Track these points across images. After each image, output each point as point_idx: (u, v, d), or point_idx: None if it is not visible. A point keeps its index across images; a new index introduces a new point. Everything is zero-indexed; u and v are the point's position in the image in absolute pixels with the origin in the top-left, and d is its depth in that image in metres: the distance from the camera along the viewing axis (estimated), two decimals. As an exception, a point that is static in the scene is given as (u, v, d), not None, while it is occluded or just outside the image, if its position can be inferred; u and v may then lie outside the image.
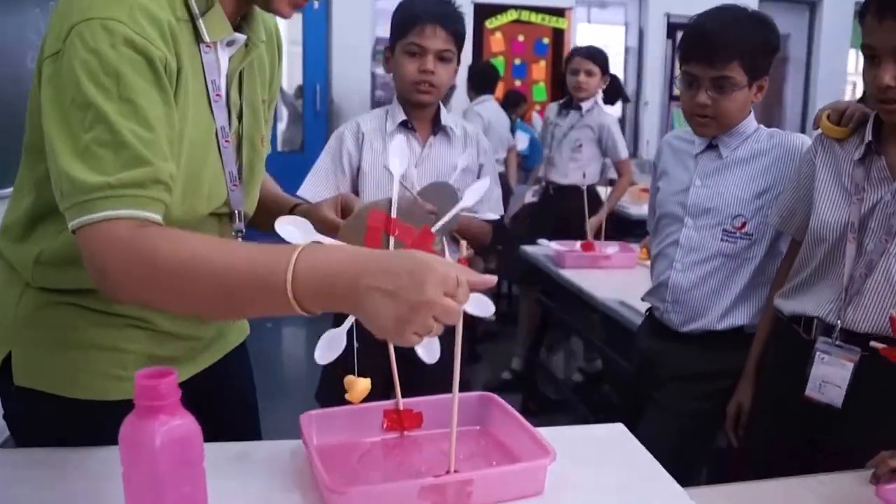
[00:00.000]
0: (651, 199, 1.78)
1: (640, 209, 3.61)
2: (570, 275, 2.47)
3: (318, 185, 1.69)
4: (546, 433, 1.10)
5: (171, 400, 0.73)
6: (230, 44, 0.96)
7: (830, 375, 1.29)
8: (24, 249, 0.95)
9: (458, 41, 1.65)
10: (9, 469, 0.95)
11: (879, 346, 1.06)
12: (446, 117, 1.75)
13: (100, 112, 0.78)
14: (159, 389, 0.72)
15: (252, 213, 1.10)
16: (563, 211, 3.10)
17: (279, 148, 6.28)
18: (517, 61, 6.32)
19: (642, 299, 1.73)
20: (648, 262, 2.49)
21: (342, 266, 0.73)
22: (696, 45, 1.48)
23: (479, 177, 1.78)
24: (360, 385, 1.04)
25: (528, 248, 2.84)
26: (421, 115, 1.72)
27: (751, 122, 1.57)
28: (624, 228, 3.48)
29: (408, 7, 1.66)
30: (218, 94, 0.94)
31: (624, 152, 3.32)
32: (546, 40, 6.37)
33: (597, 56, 3.22)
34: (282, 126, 6.33)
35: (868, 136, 1.28)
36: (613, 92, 3.42)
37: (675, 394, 1.57)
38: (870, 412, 1.25)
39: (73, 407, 0.96)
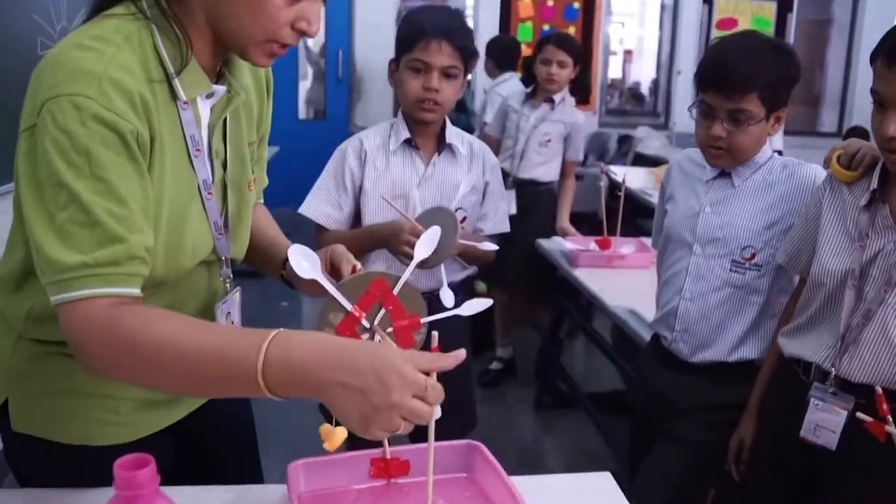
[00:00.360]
0: (657, 218, 1.75)
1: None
2: (583, 276, 2.45)
3: (320, 204, 1.69)
4: (532, 483, 1.12)
5: (149, 489, 0.75)
6: (210, 95, 0.96)
7: (825, 421, 1.28)
8: (17, 303, 0.97)
9: (466, 57, 1.61)
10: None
11: (866, 418, 1.04)
12: (452, 134, 1.72)
13: (72, 192, 0.79)
14: (138, 480, 0.74)
15: (242, 255, 1.11)
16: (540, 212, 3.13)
17: (301, 116, 6.26)
18: (546, 27, 6.15)
19: (649, 326, 1.71)
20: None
21: (311, 358, 0.75)
22: (714, 74, 1.43)
23: (484, 195, 1.76)
24: (337, 435, 1.06)
25: (544, 243, 2.82)
26: (425, 131, 1.69)
27: (765, 151, 1.52)
28: (648, 213, 3.41)
29: (413, 21, 1.62)
30: (198, 150, 0.94)
31: (581, 155, 3.29)
32: (577, 5, 6.17)
33: (570, 45, 3.03)
34: (306, 85, 6.28)
35: (874, 184, 1.24)
36: (581, 86, 3.29)
37: (685, 425, 1.56)
38: (864, 459, 1.24)
39: (68, 452, 0.99)
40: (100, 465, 0.87)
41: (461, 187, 1.59)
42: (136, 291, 0.83)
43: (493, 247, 1.54)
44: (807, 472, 1.34)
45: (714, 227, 1.54)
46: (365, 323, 0.93)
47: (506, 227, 1.80)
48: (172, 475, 1.11)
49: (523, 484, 1.08)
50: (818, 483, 1.33)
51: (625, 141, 5.40)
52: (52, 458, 1.01)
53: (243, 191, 1.05)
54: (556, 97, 3.09)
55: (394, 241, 1.50)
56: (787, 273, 1.51)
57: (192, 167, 0.94)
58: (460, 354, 0.78)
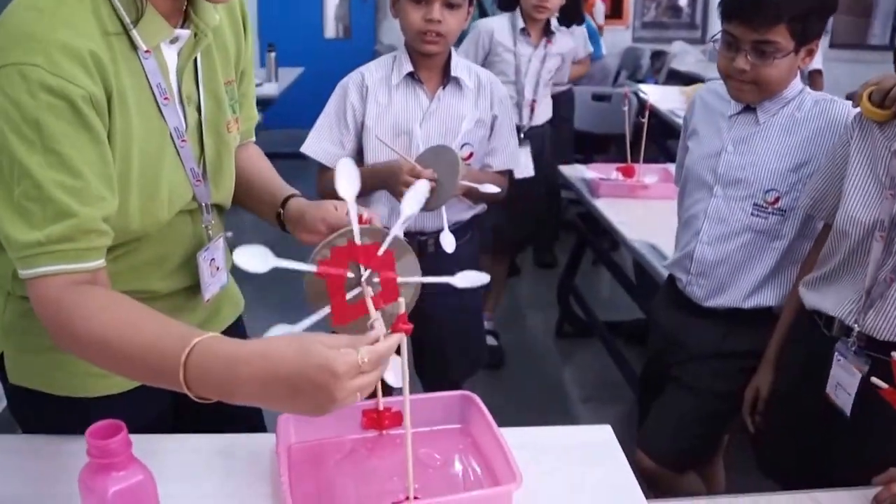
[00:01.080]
0: (679, 154, 1.65)
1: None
2: (604, 206, 2.37)
3: (321, 142, 1.63)
4: (529, 435, 1.11)
5: (122, 456, 0.75)
6: (175, 40, 0.91)
7: (844, 380, 1.23)
8: (3, 262, 0.96)
9: None
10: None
11: (881, 385, 0.99)
12: (458, 67, 1.62)
13: (24, 167, 0.77)
14: (110, 448, 0.74)
15: (227, 199, 1.08)
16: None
17: (328, 35, 6.08)
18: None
19: (665, 267, 1.65)
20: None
21: (228, 377, 0.72)
22: (738, 2, 1.30)
23: (492, 129, 1.68)
24: None
25: (564, 169, 2.72)
26: (429, 64, 1.60)
27: (795, 85, 1.40)
28: (677, 136, 3.25)
29: None
30: (166, 98, 0.91)
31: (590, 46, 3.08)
32: None
33: None
34: (333, 2, 6.08)
35: None
36: (572, 12, 2.95)
37: (696, 372, 1.52)
38: (877, 424, 1.19)
39: (63, 403, 1.01)
40: (95, 415, 0.89)
41: (464, 123, 1.52)
42: (94, 265, 0.82)
43: (495, 189, 1.47)
44: (821, 433, 1.30)
45: (736, 167, 1.45)
46: (362, 269, 0.90)
47: (516, 164, 1.73)
48: (169, 422, 1.13)
49: (520, 436, 1.07)
50: (830, 447, 1.29)
51: (658, 57, 5.12)
52: (48, 410, 1.03)
53: (222, 134, 1.01)
54: (553, 23, 2.73)
55: (392, 182, 1.45)
56: (810, 219, 1.42)
57: (162, 116, 0.91)
58: (393, 343, 0.75)
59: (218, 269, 1.07)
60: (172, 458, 1.01)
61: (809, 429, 1.32)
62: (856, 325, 1.20)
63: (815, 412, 1.29)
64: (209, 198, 1.01)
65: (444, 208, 1.45)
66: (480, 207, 1.73)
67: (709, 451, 1.60)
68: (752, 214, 1.44)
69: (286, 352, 0.70)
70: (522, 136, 2.61)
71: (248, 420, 1.23)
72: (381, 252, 0.91)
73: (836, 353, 1.23)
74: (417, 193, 0.95)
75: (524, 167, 1.82)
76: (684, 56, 4.85)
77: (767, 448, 1.43)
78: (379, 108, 1.60)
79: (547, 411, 2.52)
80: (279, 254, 0.87)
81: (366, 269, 0.91)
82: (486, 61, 2.66)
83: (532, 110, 2.78)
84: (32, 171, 0.77)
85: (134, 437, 0.77)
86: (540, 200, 2.99)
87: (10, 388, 1.04)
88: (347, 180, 0.91)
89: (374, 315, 0.84)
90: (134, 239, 0.94)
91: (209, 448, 1.05)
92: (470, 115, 1.54)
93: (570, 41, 2.93)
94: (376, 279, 0.93)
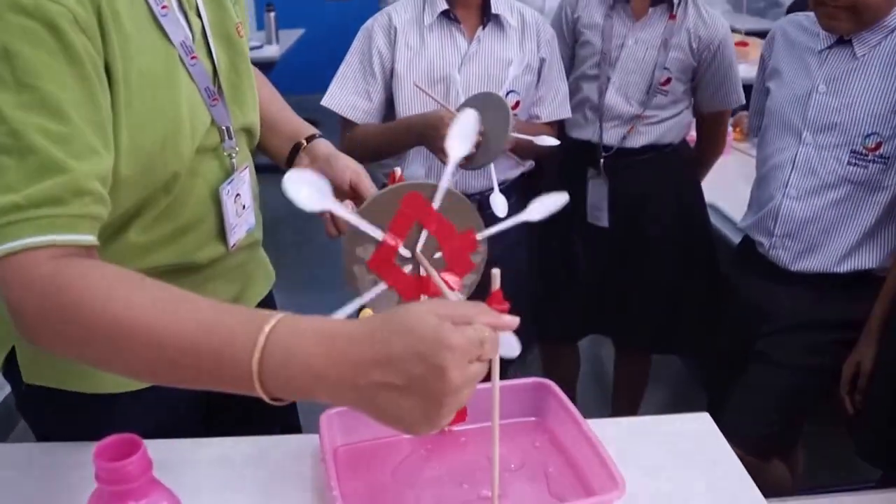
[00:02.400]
0: (755, 97, 1.46)
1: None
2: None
3: (346, 93, 1.43)
4: (617, 426, 0.95)
5: (140, 481, 0.58)
6: None
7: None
8: None
9: None
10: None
11: None
12: (498, 3, 1.42)
13: None
14: (125, 472, 0.57)
15: (255, 127, 0.90)
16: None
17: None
18: None
19: (741, 229, 1.46)
20: (743, 145, 2.17)
21: (324, 358, 0.52)
22: None
23: (539, 74, 1.48)
24: None
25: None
26: (465, 1, 1.40)
27: None
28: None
29: None
30: (164, 7, 0.73)
31: (742, 96, 1.64)
32: None
33: None
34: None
35: None
36: None
37: (785, 345, 1.34)
38: None
39: (81, 402, 0.86)
40: (116, 414, 0.82)
41: (512, 67, 1.32)
42: (90, 239, 0.63)
43: (554, 141, 1.28)
44: None
45: (830, 110, 1.26)
46: (404, 252, 0.70)
47: (566, 113, 1.53)
48: (198, 419, 0.96)
49: (601, 428, 0.90)
50: None
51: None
52: (65, 410, 0.88)
53: (232, 40, 0.84)
54: None
55: (432, 135, 1.26)
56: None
57: (164, 32, 0.73)
58: (513, 322, 0.56)
59: (244, 207, 0.89)
60: (199, 468, 0.85)
61: None
62: None
63: None
64: (230, 120, 0.83)
65: (492, 166, 1.26)
66: (529, 164, 1.54)
67: (796, 434, 1.43)
68: (848, 164, 1.25)
69: (384, 318, 0.52)
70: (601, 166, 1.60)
71: (283, 418, 1.06)
72: (434, 212, 0.70)
73: None
74: (465, 130, 0.69)
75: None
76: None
77: (871, 431, 1.26)
78: (411, 52, 1.41)
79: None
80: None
81: (429, 235, 0.72)
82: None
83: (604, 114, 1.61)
84: (5, 113, 0.59)
85: (153, 445, 0.60)
86: None
87: (23, 391, 0.87)
88: (307, 186, 0.60)
89: (452, 287, 0.67)
90: (162, 191, 0.77)
91: (241, 455, 0.89)
92: (518, 59, 1.34)
93: (715, 23, 1.56)
94: (437, 254, 0.74)
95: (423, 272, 0.71)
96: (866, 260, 1.29)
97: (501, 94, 1.31)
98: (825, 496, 0.98)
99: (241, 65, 0.85)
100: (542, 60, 1.48)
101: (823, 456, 1.63)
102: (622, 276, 1.65)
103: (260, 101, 0.95)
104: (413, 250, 0.70)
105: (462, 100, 1.34)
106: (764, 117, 1.39)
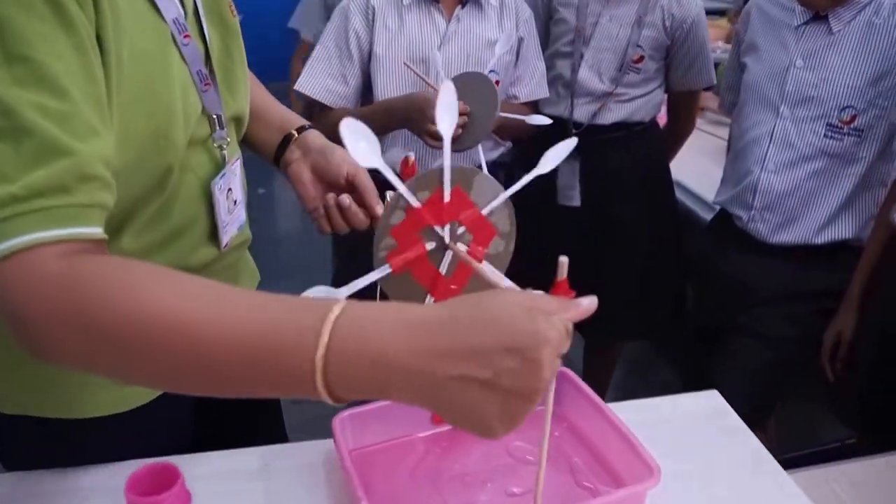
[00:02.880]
0: (728, 75, 1.46)
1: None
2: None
3: (320, 77, 1.35)
4: (628, 408, 0.92)
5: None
6: None
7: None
8: None
9: None
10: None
11: None
12: None
13: None
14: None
15: (245, 114, 0.82)
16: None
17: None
18: None
19: (715, 203, 1.46)
20: (698, 121, 2.16)
21: (403, 347, 0.45)
22: None
23: (518, 53, 1.44)
24: None
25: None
26: None
27: None
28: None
29: None
30: None
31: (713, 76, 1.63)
32: None
33: None
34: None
35: None
36: None
37: (765, 317, 1.35)
38: None
39: (60, 429, 0.76)
40: (99, 440, 0.75)
41: (498, 47, 1.27)
42: (99, 231, 0.54)
43: (545, 120, 1.24)
44: None
45: (807, 84, 1.27)
46: (440, 230, 0.65)
47: (544, 92, 1.50)
48: (187, 444, 0.88)
49: (620, 411, 0.87)
50: None
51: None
52: (39, 437, 0.77)
53: (225, 19, 0.76)
54: None
55: (418, 117, 1.21)
56: (891, 139, 1.26)
57: (156, 8, 0.65)
58: (592, 303, 0.50)
59: (236, 202, 0.81)
60: (205, 484, 0.77)
61: None
62: None
63: None
64: (221, 107, 0.75)
65: (480, 147, 1.21)
66: (506, 145, 1.50)
67: (774, 403, 1.46)
68: (825, 136, 1.27)
69: (474, 302, 0.46)
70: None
71: (271, 431, 1.00)
72: (447, 195, 0.66)
73: None
74: (448, 106, 0.62)
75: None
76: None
77: (853, 398, 1.29)
78: (389, 33, 1.34)
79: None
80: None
81: (443, 227, 0.67)
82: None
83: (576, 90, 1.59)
84: None
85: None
86: None
87: None
88: (364, 139, 0.58)
89: (487, 270, 0.62)
90: (155, 187, 0.68)
91: (246, 466, 0.82)
92: (504, 38, 1.30)
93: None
94: (460, 229, 0.69)
95: (445, 259, 0.66)
96: (843, 230, 1.31)
97: (484, 73, 1.26)
98: (836, 464, 0.99)
99: (235, 48, 0.77)
100: (521, 40, 1.44)
101: (790, 424, 1.67)
102: (591, 261, 1.63)
103: (262, 102, 0.88)
104: (452, 237, 0.66)
105: (444, 79, 1.28)
106: (740, 93, 1.39)
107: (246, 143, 0.88)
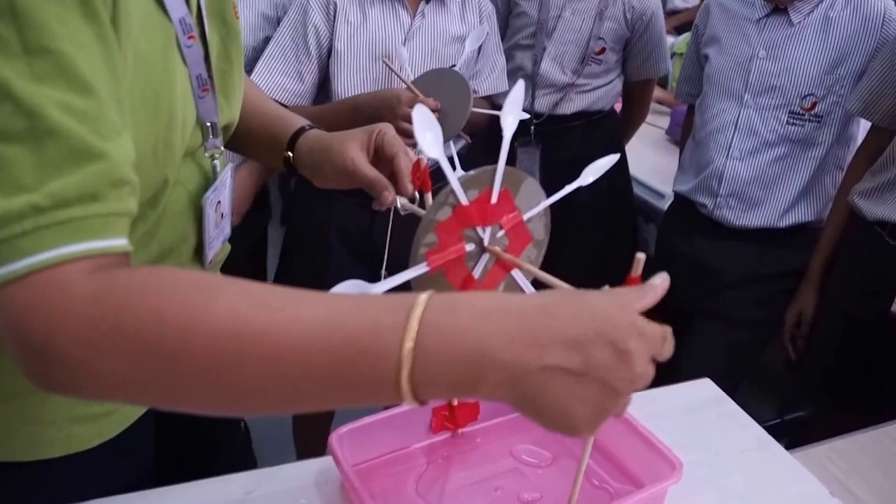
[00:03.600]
0: (686, 66, 1.47)
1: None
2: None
3: (274, 74, 1.28)
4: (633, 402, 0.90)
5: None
6: None
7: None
8: None
9: None
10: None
11: None
12: None
13: None
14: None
15: (236, 116, 0.75)
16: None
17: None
18: None
19: (676, 191, 1.47)
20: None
21: (499, 336, 0.42)
22: None
23: (480, 48, 1.40)
24: None
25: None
26: None
27: None
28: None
29: None
30: None
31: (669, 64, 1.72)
32: None
33: None
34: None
35: None
36: None
37: (730, 300, 1.37)
38: None
39: (12, 472, 0.67)
40: (59, 481, 0.66)
41: (468, 43, 1.25)
42: (127, 243, 0.47)
43: (523, 115, 1.20)
44: (888, 359, 1.19)
45: (770, 74, 1.29)
46: (481, 232, 0.62)
47: (504, 86, 1.47)
48: (152, 478, 0.79)
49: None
50: (889, 373, 1.18)
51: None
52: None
53: (227, 19, 0.70)
54: None
55: (388, 117, 1.15)
56: (850, 122, 1.29)
57: (163, 6, 0.58)
58: (665, 280, 0.48)
59: (223, 216, 0.74)
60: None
61: (869, 351, 1.21)
62: None
63: (877, 332, 1.17)
64: (216, 114, 0.68)
65: (452, 144, 1.17)
66: (466, 140, 1.46)
67: (738, 383, 1.49)
68: (787, 123, 1.30)
69: (566, 296, 0.44)
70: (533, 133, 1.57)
71: (239, 457, 0.92)
72: (495, 196, 0.62)
73: None
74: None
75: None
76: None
77: (817, 374, 1.32)
78: (350, 28, 1.28)
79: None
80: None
81: (484, 229, 0.63)
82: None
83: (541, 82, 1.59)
84: (14, 87, 0.43)
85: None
86: None
87: None
88: (431, 131, 0.57)
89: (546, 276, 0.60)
90: (150, 203, 0.61)
91: (235, 491, 0.74)
92: (474, 35, 1.27)
93: None
94: (499, 233, 0.65)
95: (480, 262, 0.62)
96: (805, 213, 1.34)
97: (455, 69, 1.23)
98: (839, 439, 1.00)
99: (234, 51, 0.70)
100: (485, 34, 1.40)
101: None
102: (552, 246, 1.61)
103: (250, 101, 0.80)
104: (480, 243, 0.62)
105: (410, 76, 1.24)
106: (703, 84, 1.41)
107: (239, 148, 0.82)
